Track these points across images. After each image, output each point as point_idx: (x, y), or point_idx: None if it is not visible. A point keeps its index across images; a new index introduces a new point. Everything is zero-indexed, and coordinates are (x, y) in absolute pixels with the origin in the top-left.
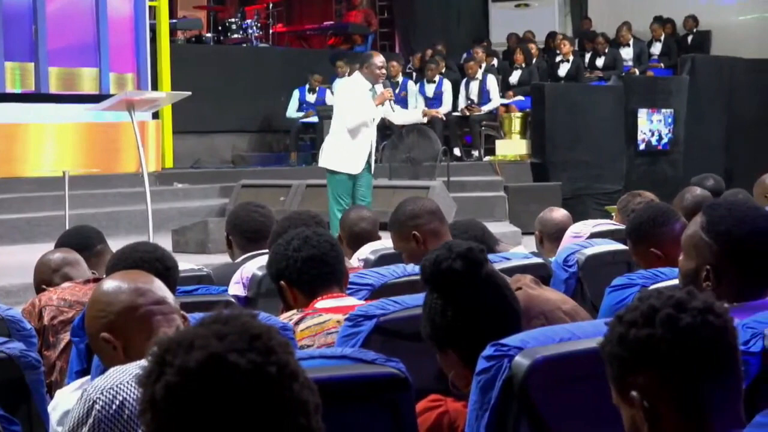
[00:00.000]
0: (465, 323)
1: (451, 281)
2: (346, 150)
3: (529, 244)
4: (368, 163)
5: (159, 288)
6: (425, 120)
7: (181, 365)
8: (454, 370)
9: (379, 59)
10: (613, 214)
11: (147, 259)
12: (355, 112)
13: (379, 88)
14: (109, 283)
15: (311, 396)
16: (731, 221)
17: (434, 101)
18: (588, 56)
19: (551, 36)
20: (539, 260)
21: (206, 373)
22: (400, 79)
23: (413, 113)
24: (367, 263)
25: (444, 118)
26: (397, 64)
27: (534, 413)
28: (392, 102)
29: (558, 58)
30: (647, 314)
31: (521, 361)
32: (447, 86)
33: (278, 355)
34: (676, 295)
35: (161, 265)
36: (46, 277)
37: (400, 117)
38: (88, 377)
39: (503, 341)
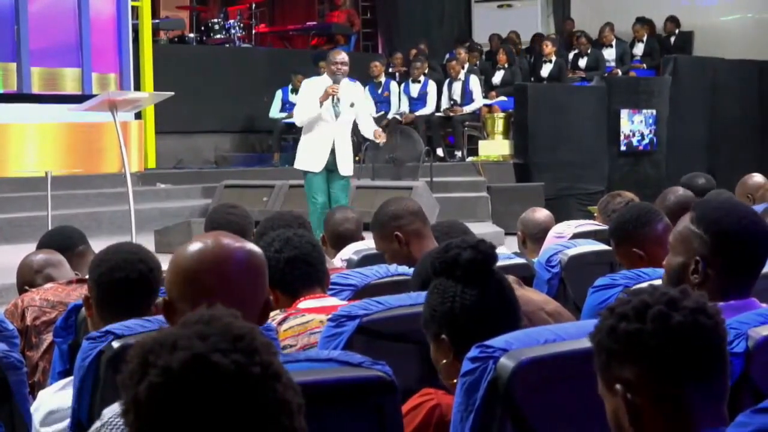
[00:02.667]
0: (465, 313)
1: (457, 269)
2: (305, 148)
3: (511, 244)
4: (335, 163)
5: None
6: (377, 140)
7: (164, 366)
8: (445, 361)
9: (338, 56)
10: (595, 214)
11: (130, 260)
12: (297, 109)
13: (344, 84)
14: None
15: (294, 396)
16: (722, 212)
17: (418, 101)
18: (571, 57)
19: (537, 37)
20: (522, 261)
21: (189, 373)
22: (382, 79)
23: (370, 130)
24: (350, 264)
25: (381, 144)
26: (380, 65)
27: (519, 415)
28: (370, 108)
29: (541, 59)
30: (639, 309)
31: (506, 362)
32: (432, 87)
33: (261, 355)
34: (669, 293)
35: (144, 267)
36: (28, 278)
37: (363, 127)
38: (71, 378)
39: (488, 342)
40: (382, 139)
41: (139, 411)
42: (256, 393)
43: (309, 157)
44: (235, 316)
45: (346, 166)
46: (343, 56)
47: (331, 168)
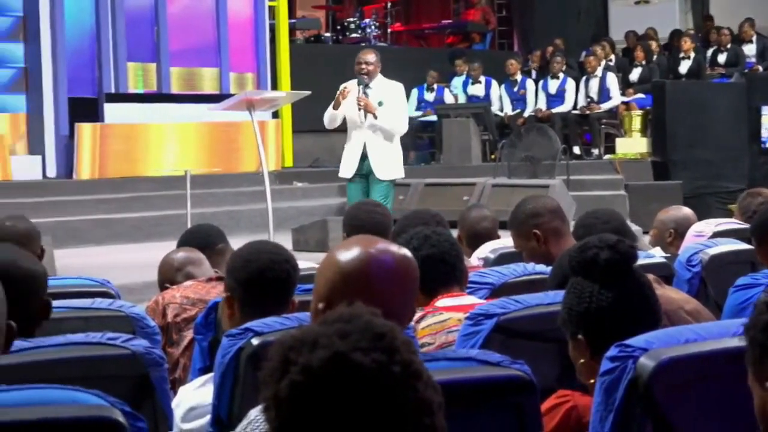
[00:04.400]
0: (601, 314)
1: (595, 270)
2: (343, 154)
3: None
4: (371, 168)
5: None
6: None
7: (305, 364)
8: (582, 360)
9: (363, 56)
10: (735, 212)
11: (277, 260)
12: (326, 116)
13: (374, 85)
14: None
15: (434, 395)
16: None
17: (556, 98)
18: (709, 53)
19: (676, 33)
20: (661, 260)
21: (330, 372)
22: (518, 77)
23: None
24: (487, 262)
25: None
26: (516, 62)
27: (659, 415)
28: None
29: (680, 55)
30: None
31: (646, 362)
32: (570, 84)
33: (402, 354)
34: None
35: (290, 266)
36: (169, 275)
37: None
38: (211, 375)
39: (628, 342)
40: (361, 103)
41: (280, 408)
42: (396, 392)
43: (343, 162)
44: (375, 314)
45: (383, 169)
46: (368, 56)
47: (367, 173)
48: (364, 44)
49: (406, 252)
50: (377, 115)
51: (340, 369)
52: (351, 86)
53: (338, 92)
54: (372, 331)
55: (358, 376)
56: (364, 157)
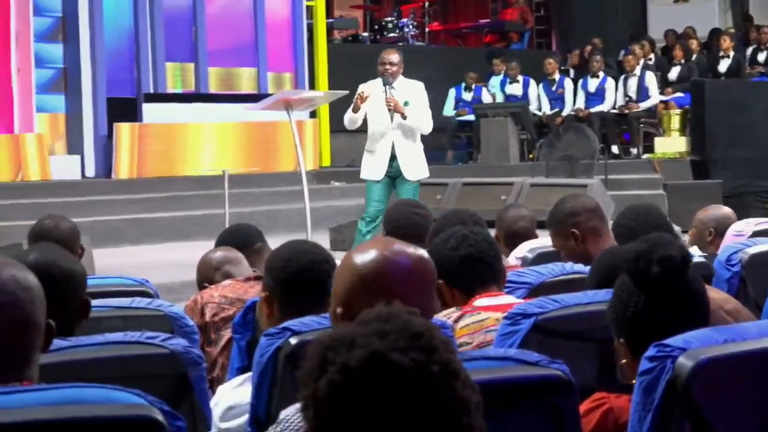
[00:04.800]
0: (646, 324)
1: (645, 283)
2: (367, 155)
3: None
4: (399, 169)
5: None
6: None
7: (343, 363)
8: (624, 360)
9: (386, 55)
10: None
11: (317, 261)
12: (345, 118)
13: (398, 85)
14: None
15: (473, 395)
16: None
17: (595, 97)
18: (749, 52)
19: (715, 32)
20: (701, 260)
21: (368, 371)
22: (557, 76)
23: (415, 122)
24: (525, 261)
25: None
26: (554, 62)
27: (698, 415)
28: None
29: (719, 54)
30: None
31: (685, 362)
32: (611, 83)
33: (440, 353)
34: None
35: (329, 266)
36: (207, 275)
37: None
38: (249, 374)
39: (666, 341)
40: (390, 104)
41: (318, 408)
42: (434, 391)
43: (369, 164)
44: (413, 313)
45: (412, 170)
46: (392, 56)
47: (395, 174)
48: (401, 44)
49: (422, 253)
50: (407, 115)
51: (378, 368)
52: (370, 88)
53: (356, 95)
54: (410, 331)
55: (396, 376)
56: (392, 157)
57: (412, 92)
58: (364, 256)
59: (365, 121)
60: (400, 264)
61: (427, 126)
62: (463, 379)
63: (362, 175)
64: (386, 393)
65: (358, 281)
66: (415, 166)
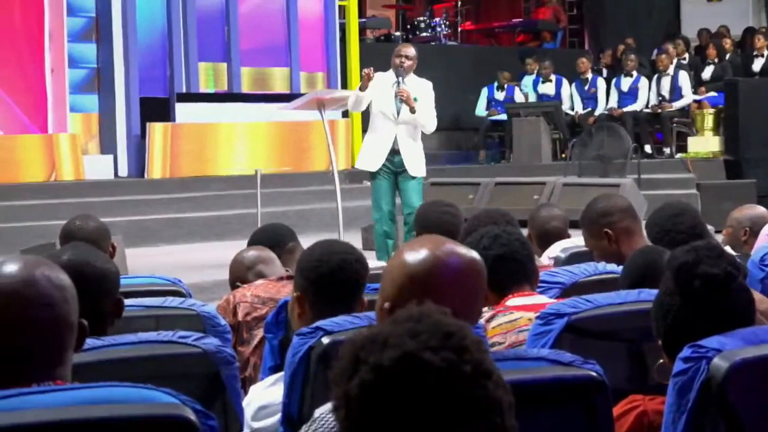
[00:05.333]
0: (685, 332)
1: (687, 293)
2: (365, 146)
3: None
4: (403, 164)
5: None
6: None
7: (375, 363)
8: (662, 361)
9: (402, 49)
10: None
11: (349, 260)
12: (351, 97)
13: (408, 81)
14: None
15: (505, 395)
16: None
17: (628, 96)
18: None
19: (748, 31)
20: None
21: (400, 371)
22: (589, 75)
23: (423, 120)
24: (558, 261)
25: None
26: (587, 61)
27: (732, 417)
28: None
29: (753, 53)
30: None
31: (720, 363)
32: (644, 83)
33: (472, 353)
34: None
35: (361, 266)
36: (240, 274)
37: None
38: (282, 373)
39: (701, 342)
40: (402, 95)
41: (350, 407)
42: (466, 391)
43: (367, 154)
44: (444, 313)
45: (415, 166)
46: (409, 50)
47: (399, 170)
48: (433, 43)
49: (474, 254)
50: (415, 110)
51: (410, 368)
52: (379, 79)
53: (363, 73)
54: (442, 331)
55: (429, 375)
56: (394, 152)
57: (421, 90)
58: (416, 255)
59: (368, 112)
60: (450, 265)
61: (431, 125)
62: (495, 379)
63: (358, 165)
64: (418, 392)
65: (407, 280)
66: (418, 162)
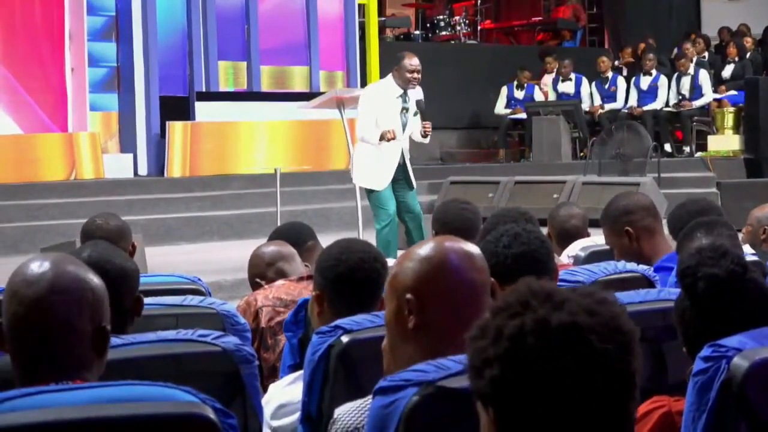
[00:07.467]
0: (697, 334)
1: (694, 297)
2: (371, 164)
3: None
4: (405, 175)
5: None
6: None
7: (542, 316)
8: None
9: (412, 61)
10: None
11: (367, 260)
12: (362, 125)
13: (412, 93)
14: None
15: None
16: None
17: (648, 94)
18: None
19: None
20: (753, 258)
21: (562, 337)
22: (609, 74)
23: (417, 131)
24: (577, 260)
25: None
26: (607, 60)
27: (753, 416)
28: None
29: None
30: None
31: (740, 362)
32: (663, 81)
33: (630, 358)
34: None
35: (379, 265)
36: (259, 270)
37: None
38: (301, 372)
39: (721, 342)
40: (428, 129)
41: (498, 345)
42: (614, 387)
43: (374, 173)
44: (624, 309)
45: (412, 178)
46: (416, 62)
47: (398, 178)
48: (453, 42)
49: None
50: (429, 135)
51: (571, 340)
52: (382, 95)
53: (388, 132)
54: (615, 323)
55: (587, 356)
56: (400, 165)
57: (417, 98)
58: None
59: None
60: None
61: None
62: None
63: (362, 183)
64: (571, 366)
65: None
66: (412, 173)
